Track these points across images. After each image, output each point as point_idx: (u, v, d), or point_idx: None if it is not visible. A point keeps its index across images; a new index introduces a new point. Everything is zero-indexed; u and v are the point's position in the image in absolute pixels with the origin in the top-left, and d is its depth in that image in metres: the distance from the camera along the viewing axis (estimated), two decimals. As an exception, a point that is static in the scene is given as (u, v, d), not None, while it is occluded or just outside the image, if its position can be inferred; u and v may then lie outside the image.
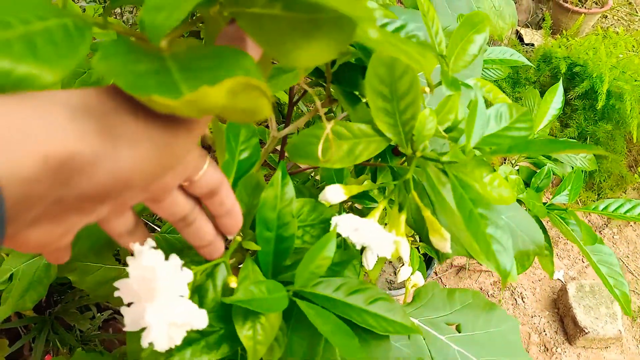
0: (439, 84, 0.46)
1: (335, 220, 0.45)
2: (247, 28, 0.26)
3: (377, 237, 0.44)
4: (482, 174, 0.43)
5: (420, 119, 0.43)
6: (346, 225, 0.44)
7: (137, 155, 0.24)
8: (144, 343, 0.32)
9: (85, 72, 0.76)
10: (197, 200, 0.34)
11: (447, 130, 0.46)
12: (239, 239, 0.47)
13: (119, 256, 0.85)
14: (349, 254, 0.50)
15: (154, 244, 0.33)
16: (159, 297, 0.32)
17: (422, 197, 0.50)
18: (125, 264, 0.33)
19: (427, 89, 0.44)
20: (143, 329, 0.33)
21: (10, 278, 0.77)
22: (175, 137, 0.25)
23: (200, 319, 0.34)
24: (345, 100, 0.46)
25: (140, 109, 0.24)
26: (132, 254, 0.33)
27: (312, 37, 0.24)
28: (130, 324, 0.33)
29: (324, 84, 0.48)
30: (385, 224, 0.49)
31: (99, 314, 1.39)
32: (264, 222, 0.45)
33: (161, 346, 0.33)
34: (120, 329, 1.40)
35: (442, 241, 0.45)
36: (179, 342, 0.34)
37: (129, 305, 0.33)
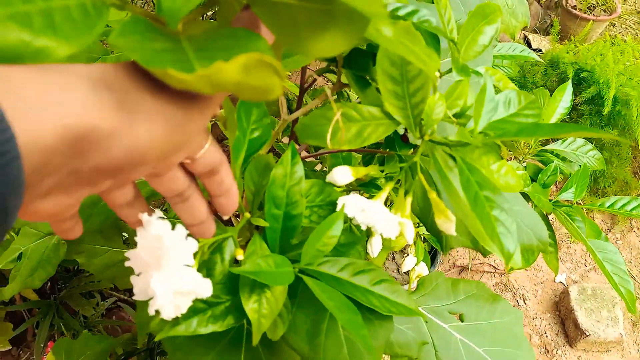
0: (449, 71, 0.47)
1: (343, 200, 0.46)
2: (262, 15, 0.26)
3: (383, 218, 0.45)
4: (490, 161, 0.44)
5: (429, 103, 0.44)
6: (353, 205, 0.45)
7: (153, 133, 0.24)
8: (151, 310, 0.33)
9: (99, 57, 0.77)
10: (193, 177, 0.34)
11: (456, 115, 0.47)
12: (247, 215, 0.48)
13: (127, 241, 0.86)
14: (354, 237, 0.51)
15: (161, 214, 0.33)
16: (165, 265, 0.32)
17: (429, 184, 0.50)
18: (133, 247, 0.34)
19: (437, 74, 0.45)
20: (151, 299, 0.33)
21: (20, 257, 0.79)
22: (189, 116, 0.26)
23: (205, 287, 0.35)
24: (355, 84, 0.47)
25: (156, 86, 0.24)
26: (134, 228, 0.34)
27: (327, 29, 0.25)
28: (139, 293, 0.34)
29: (335, 68, 0.49)
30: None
31: (102, 301, 1.40)
32: (273, 200, 0.46)
33: (167, 314, 0.33)
34: (123, 317, 1.41)
35: (447, 222, 0.46)
36: (184, 310, 0.34)
37: (138, 275, 0.34)
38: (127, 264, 0.34)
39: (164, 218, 0.33)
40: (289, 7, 0.25)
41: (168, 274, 0.33)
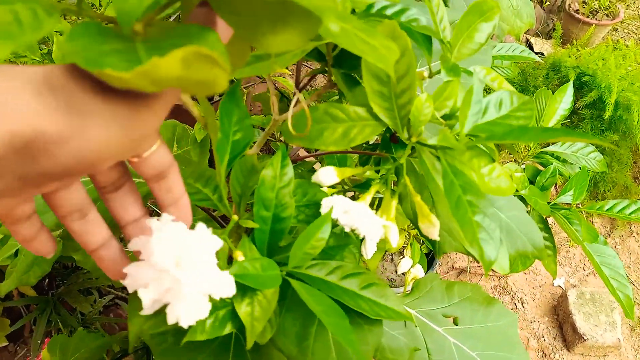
0: (440, 71, 0.47)
1: (327, 201, 0.45)
2: (219, 9, 0.26)
3: (366, 220, 0.44)
4: (481, 164, 0.43)
5: (416, 103, 0.43)
6: (337, 206, 0.45)
7: (103, 136, 0.23)
8: (171, 319, 0.30)
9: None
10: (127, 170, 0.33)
11: (446, 117, 0.46)
12: (235, 217, 0.47)
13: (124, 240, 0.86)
14: (345, 239, 0.50)
15: (173, 217, 0.32)
16: (190, 266, 0.30)
17: (423, 186, 0.50)
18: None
19: (426, 74, 0.45)
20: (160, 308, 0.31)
21: (16, 253, 0.79)
22: (140, 116, 0.25)
23: (231, 285, 0.33)
24: (344, 83, 0.47)
25: (105, 87, 0.24)
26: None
27: (286, 22, 0.24)
28: (150, 306, 0.31)
29: (327, 68, 0.48)
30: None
31: (100, 298, 1.40)
32: (262, 202, 0.45)
33: (187, 321, 0.31)
34: (121, 315, 1.42)
35: (430, 227, 0.45)
36: (206, 314, 0.32)
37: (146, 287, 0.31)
38: (124, 282, 0.31)
39: (175, 220, 0.31)
40: (246, 0, 0.24)
41: (195, 274, 0.30)
